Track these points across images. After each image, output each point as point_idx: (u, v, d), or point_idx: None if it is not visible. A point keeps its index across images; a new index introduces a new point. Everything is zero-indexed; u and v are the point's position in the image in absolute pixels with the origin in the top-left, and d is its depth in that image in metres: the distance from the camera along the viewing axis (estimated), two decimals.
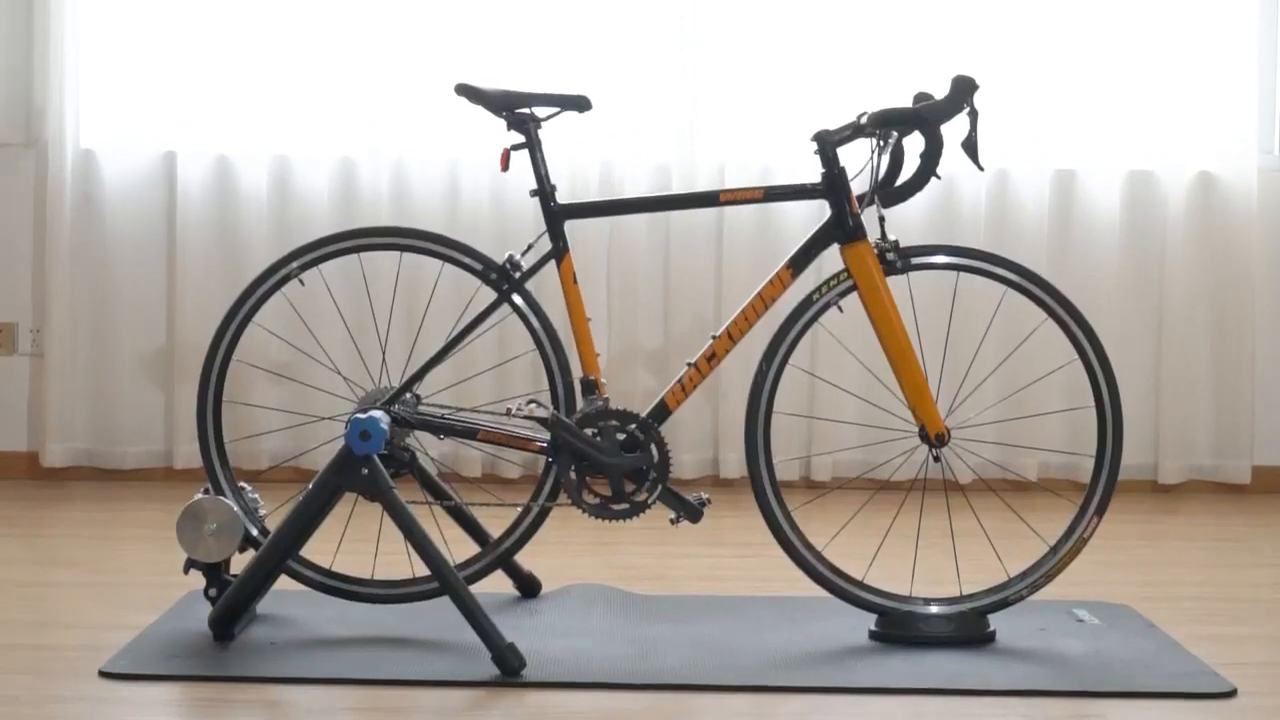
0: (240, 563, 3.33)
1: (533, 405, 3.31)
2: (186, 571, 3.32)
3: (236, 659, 3.15)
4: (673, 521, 3.34)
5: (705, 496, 3.34)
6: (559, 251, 3.34)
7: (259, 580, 3.26)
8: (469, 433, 3.39)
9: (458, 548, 3.42)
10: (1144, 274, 5.22)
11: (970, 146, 3.28)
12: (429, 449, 3.84)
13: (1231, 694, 3.05)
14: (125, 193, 5.11)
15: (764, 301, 3.36)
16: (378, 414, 3.24)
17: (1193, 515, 4.99)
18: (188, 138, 5.07)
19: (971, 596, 3.37)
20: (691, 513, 3.34)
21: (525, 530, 3.40)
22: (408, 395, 3.36)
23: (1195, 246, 5.18)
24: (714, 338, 3.35)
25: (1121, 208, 5.19)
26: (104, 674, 3.04)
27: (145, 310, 5.15)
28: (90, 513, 4.77)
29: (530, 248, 3.42)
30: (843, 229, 3.33)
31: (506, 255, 3.38)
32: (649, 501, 3.32)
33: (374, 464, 3.21)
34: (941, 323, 3.74)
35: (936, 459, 3.35)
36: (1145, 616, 3.56)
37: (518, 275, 3.37)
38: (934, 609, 3.35)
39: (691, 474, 5.16)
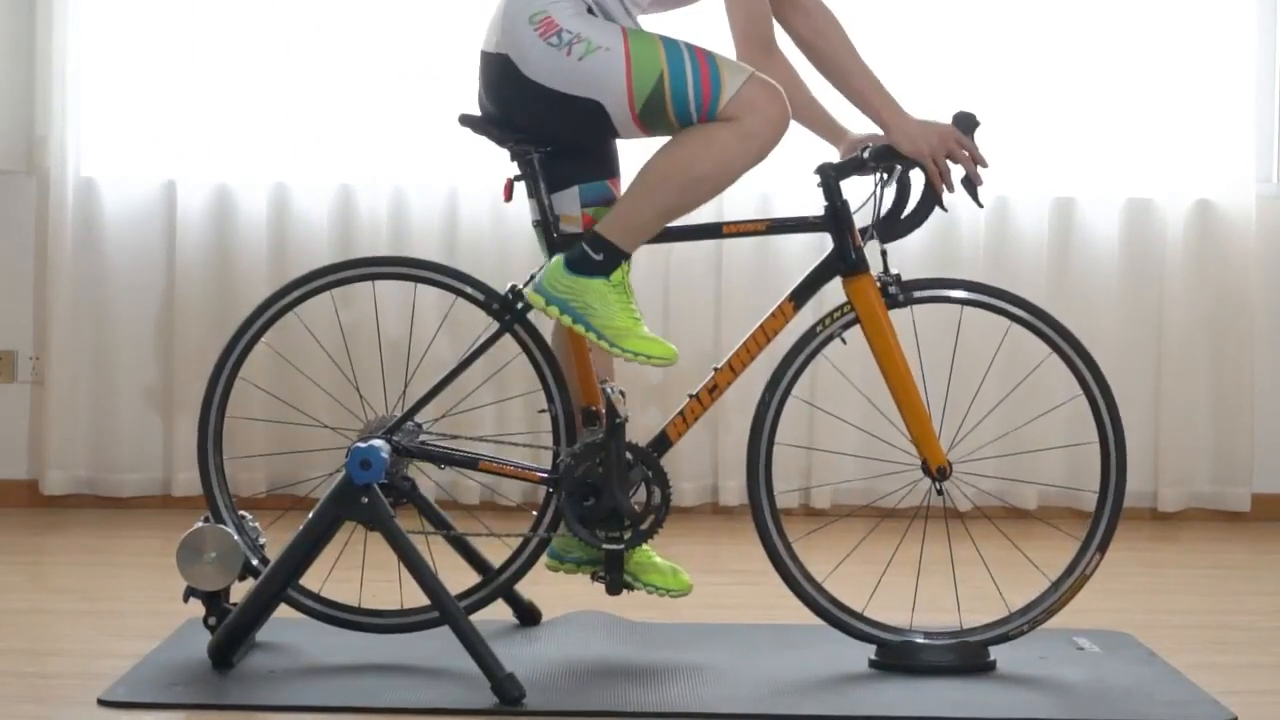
0: (240, 591, 3.33)
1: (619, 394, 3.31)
2: (186, 600, 3.32)
3: (236, 687, 3.14)
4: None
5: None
6: None
7: (258, 609, 3.26)
8: (469, 463, 3.40)
9: (458, 575, 3.42)
10: (1143, 301, 5.23)
11: (970, 184, 3.29)
12: (427, 476, 3.84)
13: None
14: (125, 221, 5.11)
15: (766, 334, 3.36)
16: (378, 443, 3.24)
17: (1192, 543, 4.99)
18: (188, 166, 5.08)
19: (971, 631, 3.36)
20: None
21: (526, 560, 3.40)
22: (408, 424, 3.36)
23: (1194, 274, 5.19)
24: (716, 369, 3.36)
25: (1120, 235, 5.20)
26: (102, 702, 3.03)
27: (145, 338, 5.15)
28: (89, 540, 4.77)
29: (532, 278, 3.43)
30: (845, 262, 3.33)
31: (509, 286, 3.39)
32: (651, 531, 3.33)
33: (374, 493, 3.21)
34: (944, 355, 3.74)
35: (939, 492, 3.35)
36: (1145, 644, 3.56)
37: (520, 306, 3.37)
38: (933, 643, 3.34)
39: (692, 502, 5.16)
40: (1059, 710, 3.11)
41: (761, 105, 3.19)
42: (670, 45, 3.20)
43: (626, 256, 3.24)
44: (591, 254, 3.22)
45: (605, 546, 3.30)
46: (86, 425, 5.15)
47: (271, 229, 5.10)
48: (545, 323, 3.50)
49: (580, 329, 3.22)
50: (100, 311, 5.13)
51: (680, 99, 3.18)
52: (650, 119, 3.21)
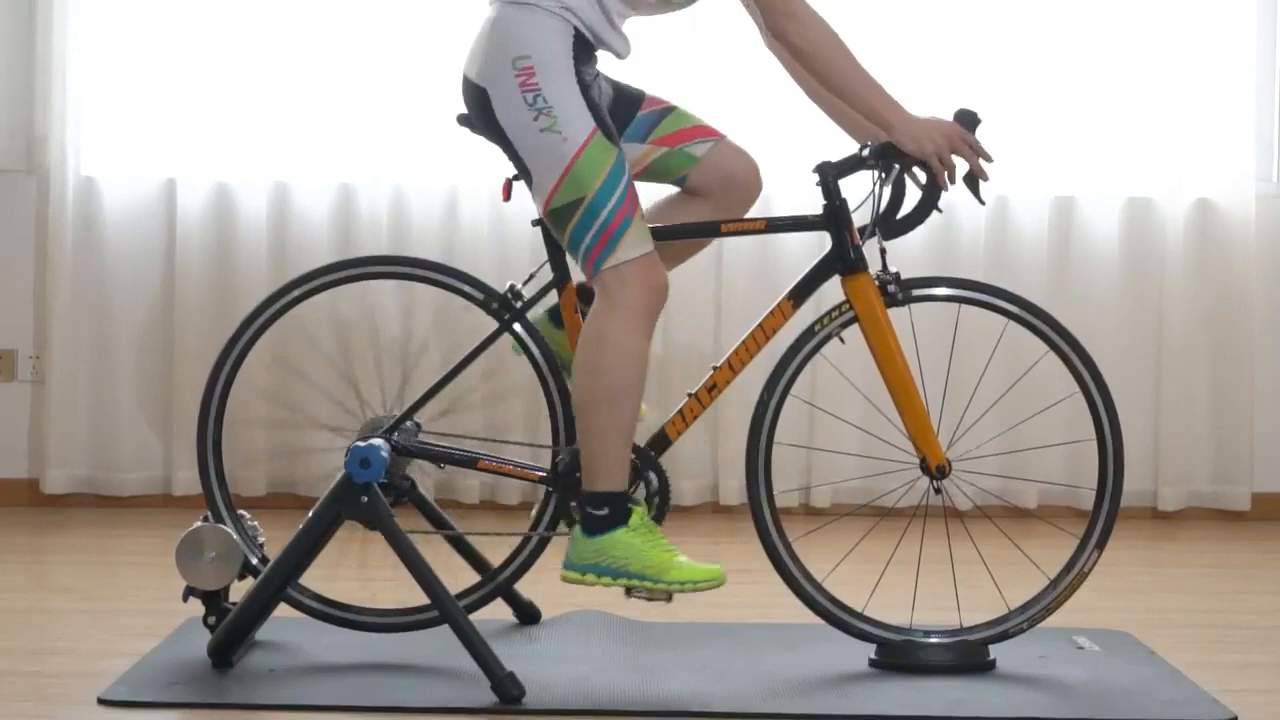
0: (240, 590, 3.33)
1: None
2: (185, 599, 3.32)
3: (236, 686, 3.15)
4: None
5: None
6: (560, 281, 3.35)
7: (258, 608, 3.26)
8: (469, 461, 3.40)
9: (457, 575, 3.42)
10: (1143, 300, 5.23)
11: (972, 180, 3.29)
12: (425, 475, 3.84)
13: None
14: (125, 220, 5.11)
15: (765, 332, 3.36)
16: (378, 442, 3.25)
17: (1192, 542, 4.99)
18: (188, 165, 5.08)
19: (971, 629, 3.36)
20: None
21: (525, 559, 3.40)
22: (407, 424, 3.36)
23: (1194, 273, 5.19)
24: (715, 368, 3.36)
25: (1120, 234, 5.20)
26: (103, 701, 3.04)
27: (145, 337, 5.15)
28: (90, 539, 4.77)
29: (532, 277, 3.43)
30: (844, 260, 3.33)
31: (509, 284, 3.39)
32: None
33: (374, 492, 3.21)
34: (942, 353, 3.74)
35: (938, 491, 3.35)
36: (1145, 643, 3.56)
37: (519, 305, 3.37)
38: (933, 641, 3.34)
39: (692, 501, 5.16)
40: (1059, 709, 3.11)
41: (633, 280, 3.13)
42: (614, 178, 3.15)
43: (628, 497, 3.22)
44: (596, 512, 3.20)
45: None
46: (86, 424, 5.14)
47: (271, 228, 5.10)
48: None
49: (623, 582, 3.20)
50: (100, 311, 5.13)
51: (581, 230, 3.14)
52: (554, 220, 3.19)
